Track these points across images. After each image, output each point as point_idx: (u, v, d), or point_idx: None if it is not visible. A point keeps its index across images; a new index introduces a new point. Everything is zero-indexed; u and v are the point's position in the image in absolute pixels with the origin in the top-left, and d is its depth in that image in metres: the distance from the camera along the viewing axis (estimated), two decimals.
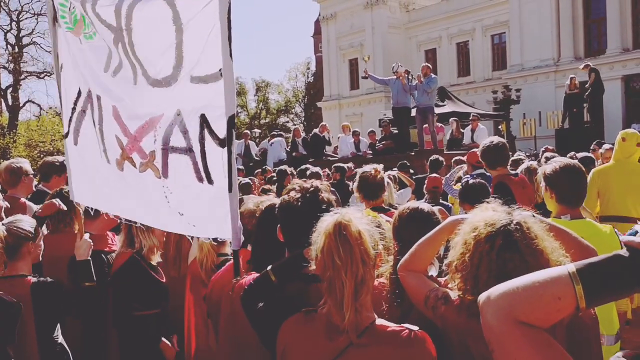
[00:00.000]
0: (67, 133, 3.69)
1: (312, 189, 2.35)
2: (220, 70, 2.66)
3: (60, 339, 3.24)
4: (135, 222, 3.46)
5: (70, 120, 3.63)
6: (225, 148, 2.72)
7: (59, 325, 3.26)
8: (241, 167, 14.31)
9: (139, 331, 3.54)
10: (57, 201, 3.98)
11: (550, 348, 1.20)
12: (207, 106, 2.78)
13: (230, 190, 2.73)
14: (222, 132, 2.72)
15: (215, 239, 3.02)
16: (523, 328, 1.21)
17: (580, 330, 1.86)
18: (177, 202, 3.03)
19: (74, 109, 3.60)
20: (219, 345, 2.82)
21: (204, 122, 2.79)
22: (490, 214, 1.93)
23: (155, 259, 3.74)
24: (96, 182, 3.54)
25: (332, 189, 8.55)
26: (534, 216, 1.98)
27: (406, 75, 14.54)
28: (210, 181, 2.83)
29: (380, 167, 4.43)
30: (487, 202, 2.04)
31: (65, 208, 4.03)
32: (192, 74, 2.80)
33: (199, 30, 2.71)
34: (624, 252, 1.19)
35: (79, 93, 3.54)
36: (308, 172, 8.91)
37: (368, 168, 4.40)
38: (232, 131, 2.69)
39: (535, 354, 1.19)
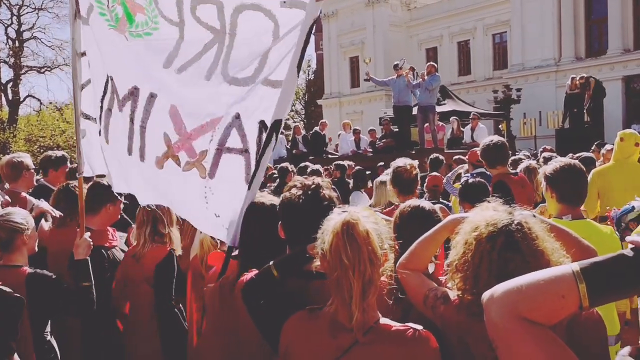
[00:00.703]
0: (100, 131, 3.72)
1: (313, 185, 2.35)
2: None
3: (49, 337, 3.24)
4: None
5: (100, 118, 3.67)
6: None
7: (49, 323, 3.26)
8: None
9: (179, 322, 3.63)
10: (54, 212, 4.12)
11: (553, 344, 1.21)
12: (267, 111, 2.91)
13: (249, 187, 2.82)
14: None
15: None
16: (527, 325, 1.21)
17: (580, 332, 1.86)
18: (216, 204, 3.09)
19: (101, 107, 3.62)
20: (209, 339, 2.81)
21: (262, 127, 2.93)
22: (491, 213, 1.93)
23: (178, 251, 3.82)
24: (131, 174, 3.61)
25: (332, 186, 8.43)
26: (534, 216, 1.98)
27: (411, 73, 14.58)
28: (250, 186, 2.91)
29: (415, 162, 4.46)
30: (488, 202, 2.04)
31: (57, 215, 4.11)
32: (267, 76, 2.96)
33: (289, 42, 2.85)
34: (628, 251, 1.20)
35: (105, 91, 3.55)
36: (308, 170, 8.92)
37: (401, 163, 4.44)
38: (272, 134, 2.81)
39: (538, 350, 1.19)
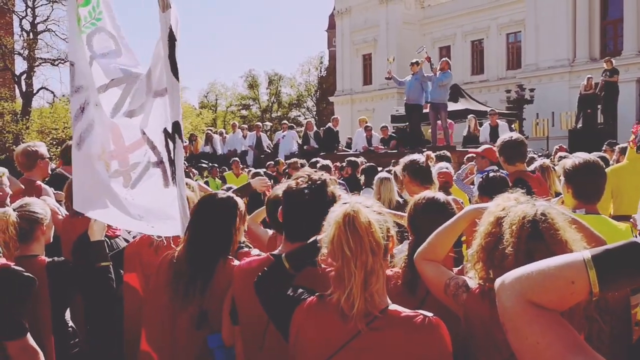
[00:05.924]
0: None
1: (319, 181, 2.37)
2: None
3: (70, 322, 3.28)
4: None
5: None
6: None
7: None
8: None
9: None
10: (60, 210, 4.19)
11: (561, 326, 1.22)
12: (164, 118, 3.21)
13: (175, 184, 3.10)
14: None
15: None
16: (535, 309, 1.23)
17: None
18: (137, 209, 3.29)
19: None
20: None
21: (166, 134, 3.21)
22: (513, 203, 1.95)
23: None
24: None
25: (341, 181, 8.51)
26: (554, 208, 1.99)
27: (427, 62, 14.59)
28: (175, 182, 3.14)
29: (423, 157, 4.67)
30: (510, 192, 2.05)
31: (62, 214, 4.20)
32: (155, 89, 3.28)
33: (160, 54, 3.15)
34: None
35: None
36: (318, 165, 8.95)
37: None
38: (174, 135, 3.08)
39: (546, 333, 1.20)
